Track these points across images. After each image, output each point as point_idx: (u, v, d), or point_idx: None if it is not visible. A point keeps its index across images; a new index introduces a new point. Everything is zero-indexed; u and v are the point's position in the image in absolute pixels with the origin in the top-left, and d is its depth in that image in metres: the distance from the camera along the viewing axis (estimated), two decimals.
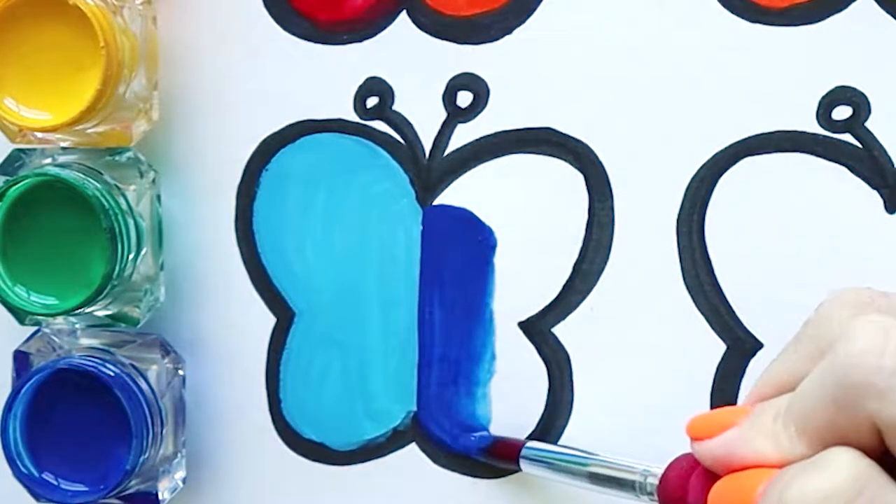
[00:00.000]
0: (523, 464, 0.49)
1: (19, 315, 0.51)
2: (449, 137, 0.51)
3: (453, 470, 0.52)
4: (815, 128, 0.49)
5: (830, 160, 0.49)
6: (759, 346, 0.49)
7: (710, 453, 0.35)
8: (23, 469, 0.50)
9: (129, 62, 0.50)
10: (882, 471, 0.31)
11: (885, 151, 0.49)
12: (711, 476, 0.36)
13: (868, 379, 0.31)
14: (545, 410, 0.51)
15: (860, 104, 0.49)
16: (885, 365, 0.31)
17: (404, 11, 0.51)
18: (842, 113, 0.49)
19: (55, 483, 0.51)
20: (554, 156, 0.50)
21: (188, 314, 0.53)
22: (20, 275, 0.50)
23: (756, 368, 0.49)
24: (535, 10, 0.50)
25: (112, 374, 0.50)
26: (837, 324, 0.34)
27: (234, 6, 0.52)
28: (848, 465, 0.31)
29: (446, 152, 0.51)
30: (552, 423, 0.51)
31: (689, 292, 0.50)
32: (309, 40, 0.51)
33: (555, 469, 0.47)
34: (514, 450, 0.49)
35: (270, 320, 0.53)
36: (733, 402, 0.50)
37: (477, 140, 0.51)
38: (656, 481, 0.40)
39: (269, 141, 0.52)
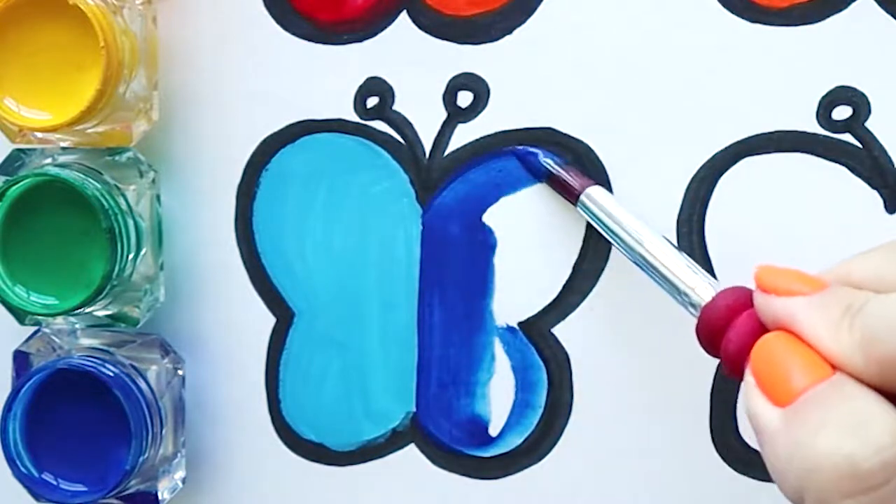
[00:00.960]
0: (581, 208, 0.48)
1: (19, 315, 0.51)
2: (449, 137, 0.51)
3: (452, 471, 0.52)
4: (815, 128, 0.49)
5: (830, 160, 0.49)
6: None
7: (771, 309, 0.35)
8: (23, 469, 0.50)
9: (129, 62, 0.50)
10: None
11: (885, 151, 0.49)
12: (760, 325, 0.35)
13: None
14: (545, 410, 0.51)
15: (860, 104, 0.49)
16: None
17: (404, 11, 0.51)
18: (842, 113, 0.49)
19: (55, 483, 0.51)
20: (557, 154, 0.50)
21: (188, 314, 0.53)
22: (20, 275, 0.50)
23: None
24: (535, 10, 0.50)
25: (112, 374, 0.50)
26: None
27: (234, 6, 0.52)
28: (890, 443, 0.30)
29: (446, 152, 0.51)
30: (552, 423, 0.51)
31: None
32: (309, 40, 0.51)
33: (606, 229, 0.46)
34: (575, 190, 0.48)
35: (270, 320, 0.53)
36: (733, 403, 0.50)
37: (477, 140, 0.50)
38: (701, 301, 0.40)
39: (269, 141, 0.52)
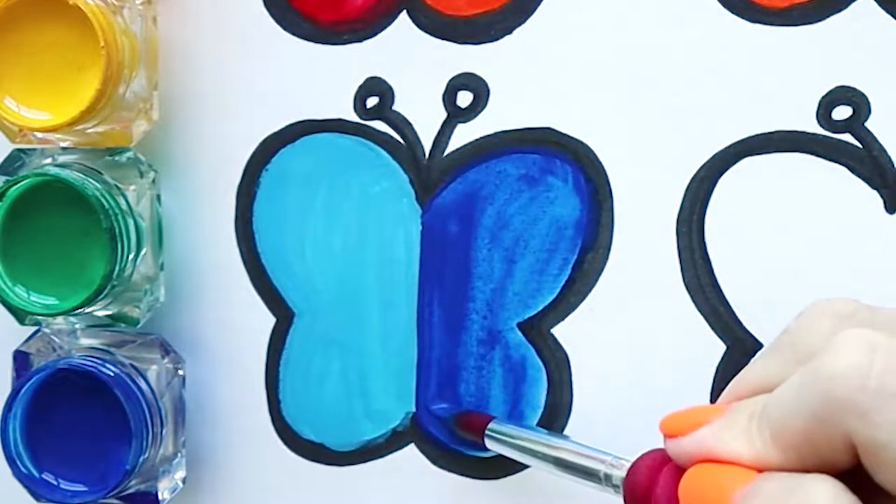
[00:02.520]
0: (488, 442, 0.48)
1: (19, 315, 0.51)
2: (449, 137, 0.51)
3: (452, 471, 0.52)
4: (815, 128, 0.49)
5: (830, 160, 0.49)
6: (759, 346, 0.49)
7: (683, 450, 0.35)
8: (23, 469, 0.50)
9: (129, 62, 0.50)
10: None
11: (884, 151, 0.49)
12: (682, 472, 0.35)
13: (851, 396, 0.30)
14: (544, 411, 0.51)
15: (860, 104, 0.49)
16: (869, 385, 0.30)
17: (404, 11, 0.51)
18: (842, 113, 0.49)
19: (55, 483, 0.51)
20: (554, 156, 0.50)
21: (188, 314, 0.53)
22: (20, 275, 0.50)
23: None
24: (535, 10, 0.50)
25: (112, 374, 0.50)
26: (818, 334, 0.34)
27: (234, 6, 0.52)
28: (829, 500, 0.30)
29: (446, 152, 0.51)
30: (551, 423, 0.50)
31: (689, 292, 0.49)
32: (309, 40, 0.51)
33: (518, 450, 0.47)
34: (480, 424, 0.49)
35: (270, 320, 0.53)
36: None
37: (477, 140, 0.50)
38: (623, 473, 0.40)
39: (269, 141, 0.52)
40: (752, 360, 0.36)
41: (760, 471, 0.33)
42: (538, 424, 0.51)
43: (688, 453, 0.35)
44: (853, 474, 0.31)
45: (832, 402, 0.30)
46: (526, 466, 0.51)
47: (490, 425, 0.48)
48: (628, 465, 0.39)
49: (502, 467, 0.51)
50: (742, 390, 0.35)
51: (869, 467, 0.31)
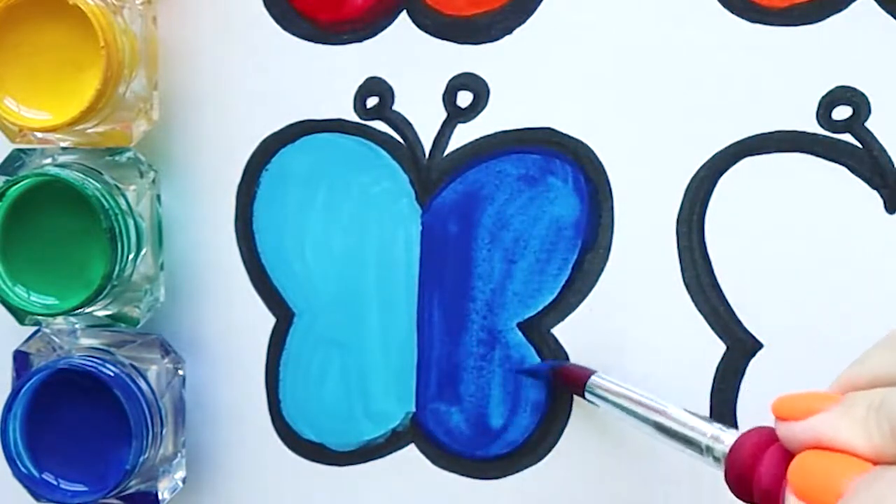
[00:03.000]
0: (589, 395, 0.48)
1: (19, 315, 0.51)
2: (449, 137, 0.51)
3: (452, 471, 0.52)
4: (815, 128, 0.49)
5: (830, 160, 0.49)
6: (759, 346, 0.49)
7: (796, 436, 0.35)
8: (23, 469, 0.50)
9: (129, 62, 0.50)
10: None
11: (885, 151, 0.49)
12: (789, 455, 0.35)
13: None
14: (545, 411, 0.51)
15: (860, 104, 0.49)
16: None
17: (404, 11, 0.51)
18: (842, 113, 0.49)
19: (55, 483, 0.51)
20: (554, 156, 0.50)
21: (188, 314, 0.53)
22: (20, 275, 0.50)
23: (756, 369, 0.49)
24: (535, 10, 0.50)
25: (112, 374, 0.50)
26: None
27: (235, 6, 0.52)
28: None
29: (446, 152, 0.51)
30: (552, 423, 0.50)
31: (689, 292, 0.49)
32: (309, 40, 0.51)
33: (620, 408, 0.46)
34: (582, 377, 0.48)
35: (270, 320, 0.53)
36: (733, 403, 0.50)
37: (477, 140, 0.50)
38: (725, 447, 0.39)
39: (269, 141, 0.52)
40: (868, 350, 0.36)
41: (876, 463, 0.32)
42: (538, 424, 0.51)
43: (800, 439, 0.35)
44: None
45: None
46: (526, 466, 0.51)
47: (592, 379, 0.48)
48: (732, 439, 0.39)
49: (502, 467, 0.51)
50: (858, 380, 0.35)
51: None
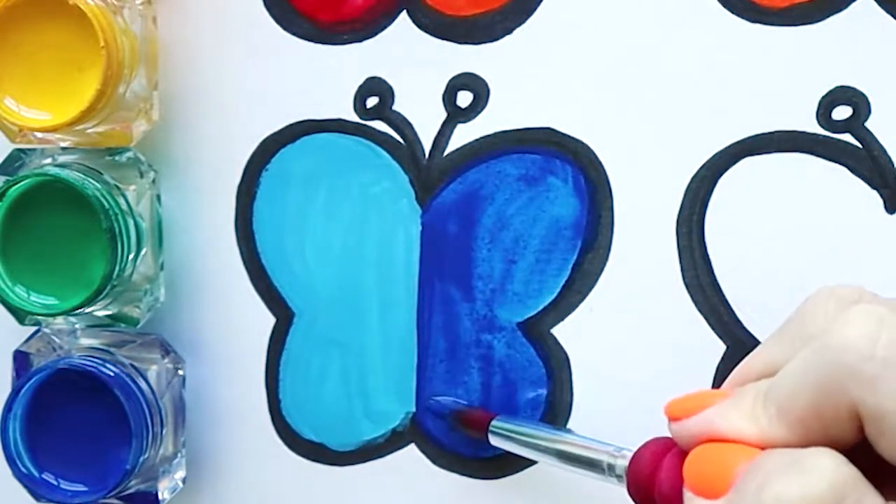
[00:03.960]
0: (492, 438, 0.48)
1: (19, 315, 0.51)
2: (449, 137, 0.51)
3: (452, 471, 0.52)
4: (815, 128, 0.49)
5: (830, 160, 0.49)
6: (758, 345, 0.49)
7: (688, 431, 0.35)
8: (23, 469, 0.50)
9: (129, 62, 0.50)
10: (863, 477, 0.31)
11: (884, 151, 0.49)
12: (685, 457, 0.35)
13: (858, 365, 0.31)
14: (545, 411, 0.51)
15: (860, 104, 0.49)
16: (876, 354, 0.31)
17: (404, 11, 0.51)
18: (842, 113, 0.49)
19: (55, 483, 0.51)
20: (554, 156, 0.50)
21: (188, 314, 0.53)
22: (20, 275, 0.50)
23: None
24: (535, 9, 0.50)
25: (112, 374, 0.50)
26: (824, 316, 0.34)
27: (234, 6, 0.52)
28: (830, 471, 0.30)
29: (446, 152, 0.51)
30: (552, 423, 0.50)
31: (689, 292, 0.49)
32: (309, 40, 0.51)
33: (522, 444, 0.47)
34: (483, 421, 0.49)
35: (270, 320, 0.53)
36: None
37: (477, 140, 0.50)
38: (626, 462, 0.40)
39: (269, 141, 0.52)
40: (759, 346, 0.37)
41: (765, 448, 0.33)
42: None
43: (692, 434, 0.35)
44: (855, 451, 0.31)
45: (838, 372, 0.31)
46: (526, 466, 0.51)
47: (493, 422, 0.48)
48: (630, 454, 0.39)
49: (502, 467, 0.51)
50: (746, 375, 0.36)
51: (872, 437, 0.31)
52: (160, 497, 0.52)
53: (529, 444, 0.46)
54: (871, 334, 0.31)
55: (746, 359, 0.37)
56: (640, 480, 0.38)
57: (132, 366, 0.51)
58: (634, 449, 0.39)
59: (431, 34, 0.50)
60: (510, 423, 0.48)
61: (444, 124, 0.51)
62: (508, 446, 0.48)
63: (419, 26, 0.51)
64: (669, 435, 0.37)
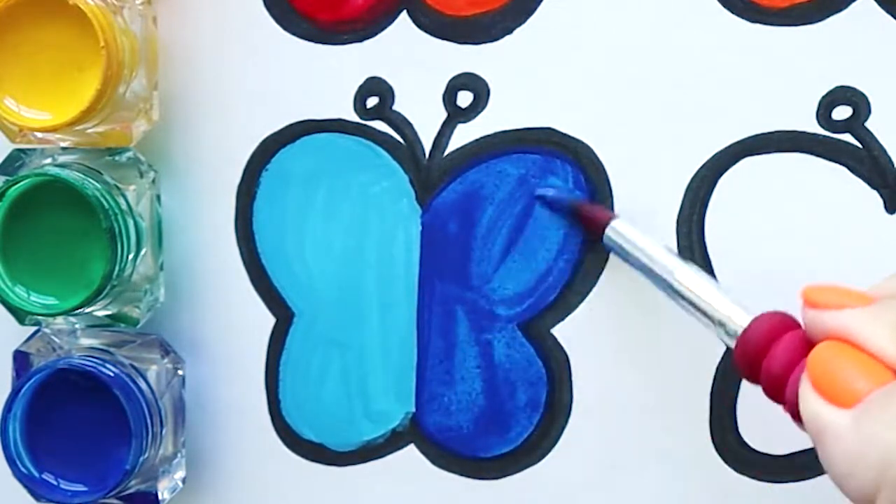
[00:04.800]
0: (607, 239, 0.47)
1: (19, 315, 0.51)
2: (449, 137, 0.51)
3: (452, 471, 0.51)
4: (815, 128, 0.49)
5: (830, 160, 0.49)
6: None
7: (824, 324, 0.35)
8: (23, 469, 0.50)
9: (129, 62, 0.50)
10: None
11: (885, 151, 0.49)
12: (808, 343, 0.35)
13: None
14: (544, 410, 0.51)
15: (860, 104, 0.49)
16: None
17: (404, 11, 0.51)
18: (842, 113, 0.49)
19: (55, 483, 0.51)
20: (555, 156, 0.50)
21: (188, 314, 0.53)
22: (20, 275, 0.50)
23: None
24: (535, 10, 0.50)
25: (112, 374, 0.50)
26: None
27: (234, 6, 0.52)
28: None
29: (446, 152, 0.51)
30: (552, 423, 0.50)
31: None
32: (309, 40, 0.51)
33: (637, 259, 0.46)
34: (601, 220, 0.48)
35: (270, 320, 0.53)
36: (733, 403, 0.50)
37: (477, 140, 0.50)
38: (741, 325, 0.39)
39: (269, 141, 0.52)
40: None
41: None
42: (538, 424, 0.51)
43: (827, 328, 0.35)
44: None
45: None
46: (526, 466, 0.51)
47: (613, 223, 0.47)
48: (747, 321, 0.39)
49: (502, 467, 0.51)
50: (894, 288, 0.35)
51: None
52: (160, 497, 0.52)
53: (642, 264, 0.45)
54: None
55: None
56: (751, 348, 0.38)
57: (132, 366, 0.51)
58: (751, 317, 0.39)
59: (431, 34, 0.50)
60: (631, 231, 0.47)
61: (444, 124, 0.51)
62: (622, 254, 0.47)
63: (419, 26, 0.51)
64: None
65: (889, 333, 0.33)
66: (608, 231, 0.48)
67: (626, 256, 0.47)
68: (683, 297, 0.43)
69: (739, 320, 0.40)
